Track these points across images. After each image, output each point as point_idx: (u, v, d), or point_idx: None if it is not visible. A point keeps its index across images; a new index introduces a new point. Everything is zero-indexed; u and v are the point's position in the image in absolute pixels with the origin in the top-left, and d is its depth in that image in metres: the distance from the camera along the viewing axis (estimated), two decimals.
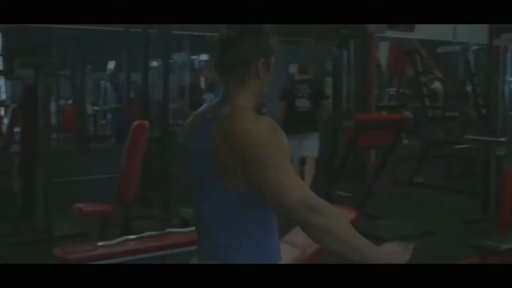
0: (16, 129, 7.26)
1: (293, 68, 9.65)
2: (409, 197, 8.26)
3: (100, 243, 3.91)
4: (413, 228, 6.05)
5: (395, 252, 1.83)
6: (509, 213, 5.24)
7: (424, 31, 9.65)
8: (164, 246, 4.07)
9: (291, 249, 3.26)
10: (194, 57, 11.18)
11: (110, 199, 5.08)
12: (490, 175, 6.51)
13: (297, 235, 2.69)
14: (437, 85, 10.28)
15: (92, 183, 7.29)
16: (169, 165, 6.69)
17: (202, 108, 1.94)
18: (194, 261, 1.93)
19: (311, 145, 7.41)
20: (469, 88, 9.54)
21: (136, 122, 5.20)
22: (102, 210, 4.95)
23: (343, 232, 1.72)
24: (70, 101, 10.06)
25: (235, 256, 1.80)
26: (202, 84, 9.64)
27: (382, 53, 10.22)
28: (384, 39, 9.83)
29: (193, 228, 4.23)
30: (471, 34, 10.20)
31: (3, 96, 8.48)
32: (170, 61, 11.25)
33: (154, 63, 12.16)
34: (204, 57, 11.87)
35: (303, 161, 7.44)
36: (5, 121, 7.75)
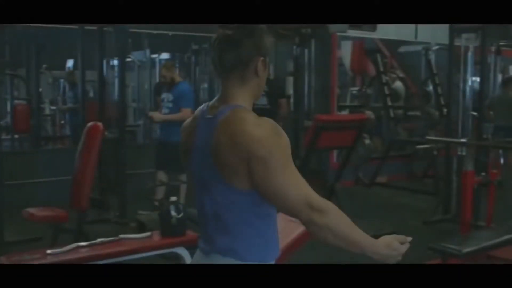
0: None
1: None
2: (371, 197, 8.22)
3: (49, 251, 3.72)
4: (373, 229, 5.97)
5: (392, 245, 1.91)
6: (469, 214, 5.22)
7: (386, 31, 9.65)
8: (117, 253, 3.90)
9: None
10: (154, 55, 11.02)
11: (66, 203, 4.90)
12: (451, 176, 6.49)
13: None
14: (398, 84, 10.28)
15: (46, 185, 7.09)
16: (126, 167, 6.50)
17: (200, 108, 1.96)
18: (198, 257, 1.98)
19: None
20: (430, 88, 9.56)
21: (90, 123, 5.01)
22: (54, 215, 4.76)
23: (343, 229, 1.81)
24: (22, 101, 9.74)
25: (240, 249, 1.86)
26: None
27: (345, 52, 10.19)
28: (347, 38, 9.81)
29: (148, 233, 4.09)
30: (432, 34, 10.25)
31: None
32: (130, 59, 11.25)
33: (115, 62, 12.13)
34: (165, 55, 11.73)
35: None
36: None
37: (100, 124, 4.95)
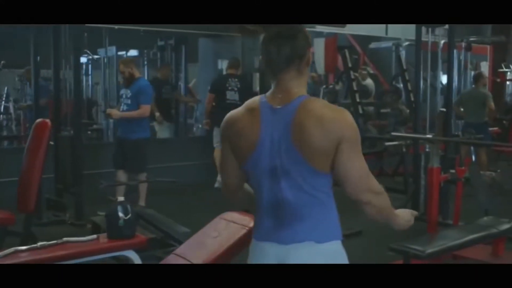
0: None
1: (222, 64, 9.41)
2: (339, 195, 8.02)
3: None
4: (342, 227, 5.78)
5: (407, 217, 2.19)
6: (436, 212, 5.05)
7: (356, 27, 9.49)
8: (59, 257, 3.64)
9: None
10: (122, 52, 10.75)
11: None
12: (419, 173, 6.32)
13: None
14: (369, 81, 10.14)
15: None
16: (83, 166, 6.23)
17: (255, 101, 2.02)
18: (270, 248, 2.01)
19: None
20: (401, 84, 9.43)
21: (38, 120, 4.73)
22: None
23: (389, 208, 2.08)
24: None
25: (318, 231, 2.00)
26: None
27: (318, 50, 9.99)
28: (321, 35, 9.62)
29: (94, 236, 3.83)
30: (403, 30, 10.13)
31: None
32: (97, 56, 10.97)
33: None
34: (133, 52, 11.46)
35: None
36: None
37: (47, 120, 4.68)
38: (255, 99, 2.05)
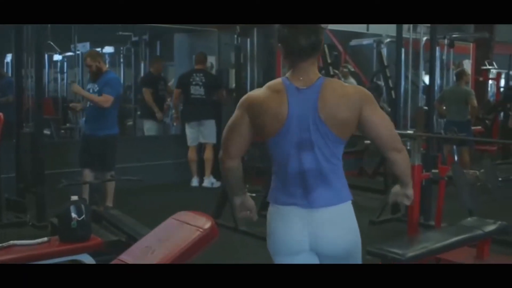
0: None
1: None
2: None
3: None
4: None
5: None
6: (417, 213, 4.77)
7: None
8: (5, 261, 3.32)
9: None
10: (98, 49, 10.36)
11: None
12: None
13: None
14: (351, 80, 9.86)
15: None
16: (44, 164, 5.87)
17: (278, 83, 2.30)
18: (298, 212, 2.29)
19: (208, 132, 7.87)
20: (381, 82, 9.15)
21: None
22: None
23: (408, 164, 2.46)
24: None
25: (338, 195, 2.31)
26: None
27: None
28: None
29: (45, 239, 3.46)
30: (384, 26, 9.87)
31: None
32: (70, 54, 10.60)
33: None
34: (109, 49, 11.11)
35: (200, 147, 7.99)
36: None
37: (0, 114, 4.34)
38: (278, 81, 2.31)
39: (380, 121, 2.31)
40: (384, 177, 7.56)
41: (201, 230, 2.19)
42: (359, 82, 10.35)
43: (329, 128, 2.23)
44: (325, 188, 2.27)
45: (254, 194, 6.62)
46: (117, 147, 6.16)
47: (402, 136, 5.69)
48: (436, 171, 4.92)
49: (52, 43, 8.48)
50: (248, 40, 7.97)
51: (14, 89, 6.37)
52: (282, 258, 2.31)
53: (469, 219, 4.35)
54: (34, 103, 5.95)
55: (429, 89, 6.54)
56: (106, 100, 5.81)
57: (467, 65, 10.58)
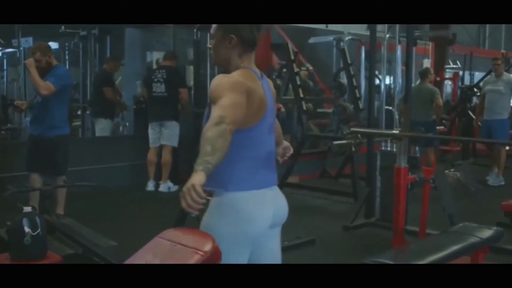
0: None
1: (152, 56, 8.69)
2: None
3: None
4: (291, 236, 5.11)
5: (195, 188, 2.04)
6: (403, 219, 4.43)
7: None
8: None
9: None
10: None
11: None
12: (374, 174, 5.70)
13: None
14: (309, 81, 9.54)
15: None
16: None
17: (249, 73, 2.37)
18: (272, 192, 2.45)
19: (169, 134, 7.45)
20: (343, 80, 8.84)
21: None
22: None
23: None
24: None
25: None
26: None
27: None
28: None
29: None
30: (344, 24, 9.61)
31: None
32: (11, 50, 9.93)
33: None
34: (54, 45, 10.45)
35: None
36: None
37: None
38: (247, 70, 2.38)
39: None
40: (353, 178, 7.21)
41: (200, 253, 1.74)
42: (314, 82, 10.06)
43: (275, 114, 2.51)
44: (275, 167, 2.51)
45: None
46: (69, 149, 5.62)
47: (386, 136, 5.44)
48: (422, 173, 4.58)
49: None
50: (208, 34, 7.52)
51: None
52: (251, 242, 2.32)
53: (461, 224, 4.02)
54: None
55: (407, 86, 6.24)
56: (47, 87, 5.24)
57: (427, 64, 10.41)
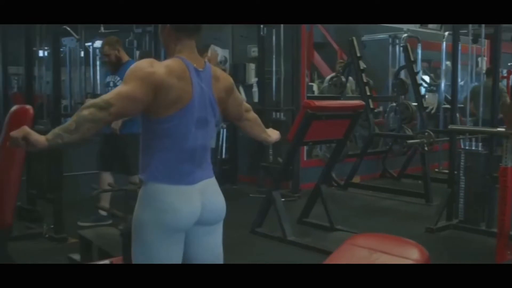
0: None
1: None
2: (350, 200, 7.16)
3: None
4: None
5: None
6: (508, 224, 4.18)
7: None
8: None
9: None
10: (88, 43, 9.65)
11: None
12: (458, 174, 5.45)
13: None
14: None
15: None
16: (62, 167, 5.16)
17: (180, 61, 2.30)
18: (197, 187, 2.34)
19: None
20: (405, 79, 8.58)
21: (14, 107, 3.67)
22: None
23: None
24: None
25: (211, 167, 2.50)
26: None
27: None
28: None
29: (106, 261, 2.78)
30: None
31: None
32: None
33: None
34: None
35: None
36: None
37: (28, 107, 3.63)
38: (178, 61, 2.30)
39: (240, 95, 2.67)
40: (425, 178, 6.95)
41: (411, 261, 1.53)
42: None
43: (217, 108, 2.41)
44: (208, 162, 2.43)
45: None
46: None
47: (491, 133, 5.19)
48: None
49: None
50: (274, 30, 7.32)
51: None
52: (174, 234, 2.29)
53: None
54: (52, 99, 5.21)
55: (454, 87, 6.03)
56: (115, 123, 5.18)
57: (483, 63, 10.07)
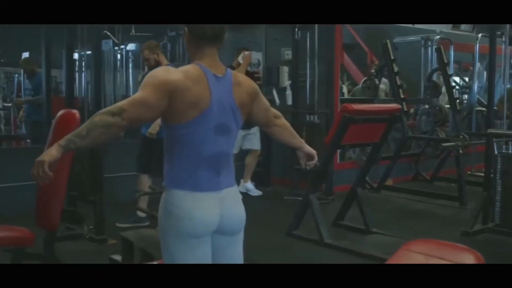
0: None
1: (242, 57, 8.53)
2: (384, 203, 7.16)
3: None
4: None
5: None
6: None
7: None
8: None
9: None
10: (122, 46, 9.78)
11: (26, 217, 3.68)
12: (495, 177, 5.44)
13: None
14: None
15: None
16: (102, 169, 5.27)
17: (195, 67, 2.31)
18: (207, 197, 2.31)
19: (251, 139, 7.28)
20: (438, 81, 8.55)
21: (61, 112, 3.75)
22: (13, 236, 3.51)
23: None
24: None
25: (234, 176, 2.46)
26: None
27: None
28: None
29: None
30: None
31: None
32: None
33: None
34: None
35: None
36: None
37: (75, 111, 3.71)
38: (195, 67, 2.30)
39: (266, 101, 2.59)
40: (459, 181, 6.93)
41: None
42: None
43: (240, 115, 2.38)
44: (229, 170, 2.39)
45: (300, 198, 6.15)
46: None
47: None
48: None
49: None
50: (308, 33, 7.36)
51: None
52: (193, 240, 2.29)
53: None
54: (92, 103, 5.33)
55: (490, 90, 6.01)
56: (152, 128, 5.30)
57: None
